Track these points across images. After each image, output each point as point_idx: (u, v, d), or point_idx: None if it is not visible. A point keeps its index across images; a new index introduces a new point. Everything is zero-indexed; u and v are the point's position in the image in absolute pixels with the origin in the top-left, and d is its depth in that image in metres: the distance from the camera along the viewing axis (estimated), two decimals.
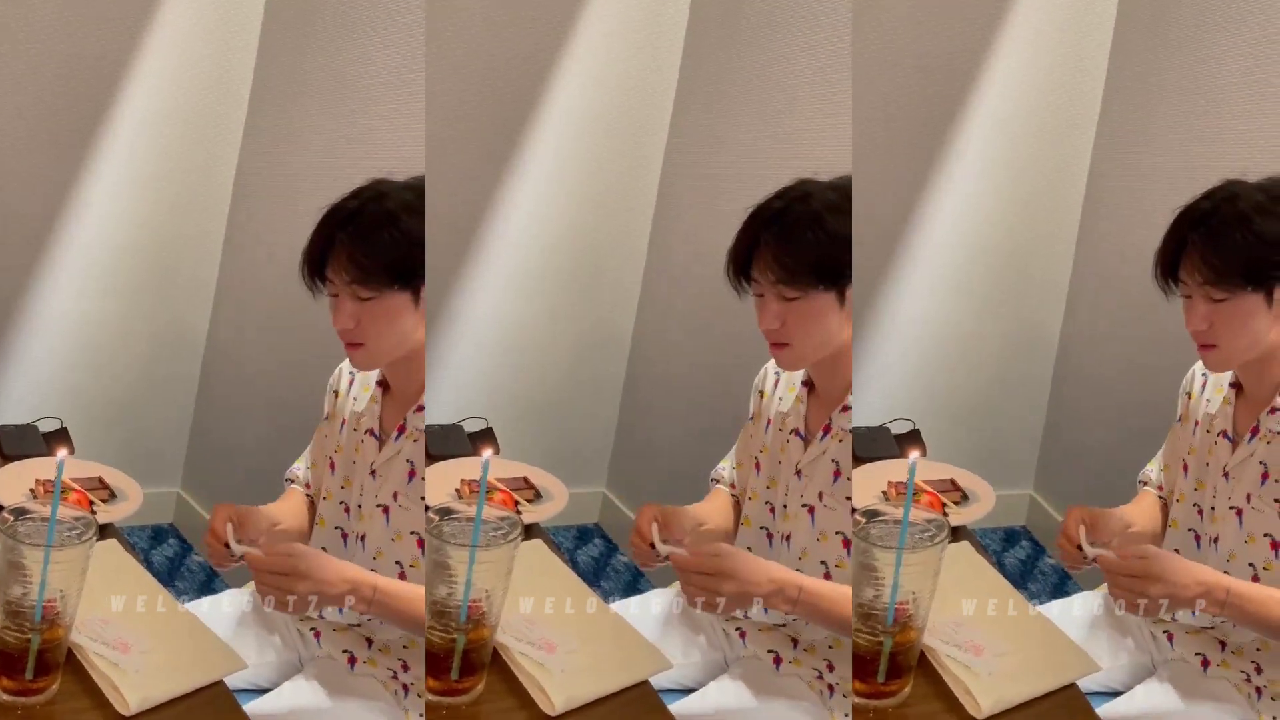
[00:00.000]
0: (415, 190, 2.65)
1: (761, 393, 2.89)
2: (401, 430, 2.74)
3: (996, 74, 3.63)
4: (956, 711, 2.71)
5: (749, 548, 2.84)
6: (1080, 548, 2.69)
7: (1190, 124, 3.49)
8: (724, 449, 3.02)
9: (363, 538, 2.78)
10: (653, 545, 2.70)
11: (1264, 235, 2.55)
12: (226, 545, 2.69)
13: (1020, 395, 3.74)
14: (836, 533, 2.75)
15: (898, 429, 3.22)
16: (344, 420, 2.83)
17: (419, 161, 3.35)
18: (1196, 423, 2.81)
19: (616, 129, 3.73)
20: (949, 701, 2.72)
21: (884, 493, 2.92)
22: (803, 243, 2.59)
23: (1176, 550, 2.78)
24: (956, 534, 3.03)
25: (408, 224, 2.59)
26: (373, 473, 2.77)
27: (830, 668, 2.78)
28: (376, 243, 2.58)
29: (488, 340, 3.73)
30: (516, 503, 3.10)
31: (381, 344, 2.65)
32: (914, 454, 2.72)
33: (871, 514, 2.75)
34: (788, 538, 2.79)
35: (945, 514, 3.01)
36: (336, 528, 2.82)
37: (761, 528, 2.84)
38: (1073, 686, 2.78)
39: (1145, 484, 2.96)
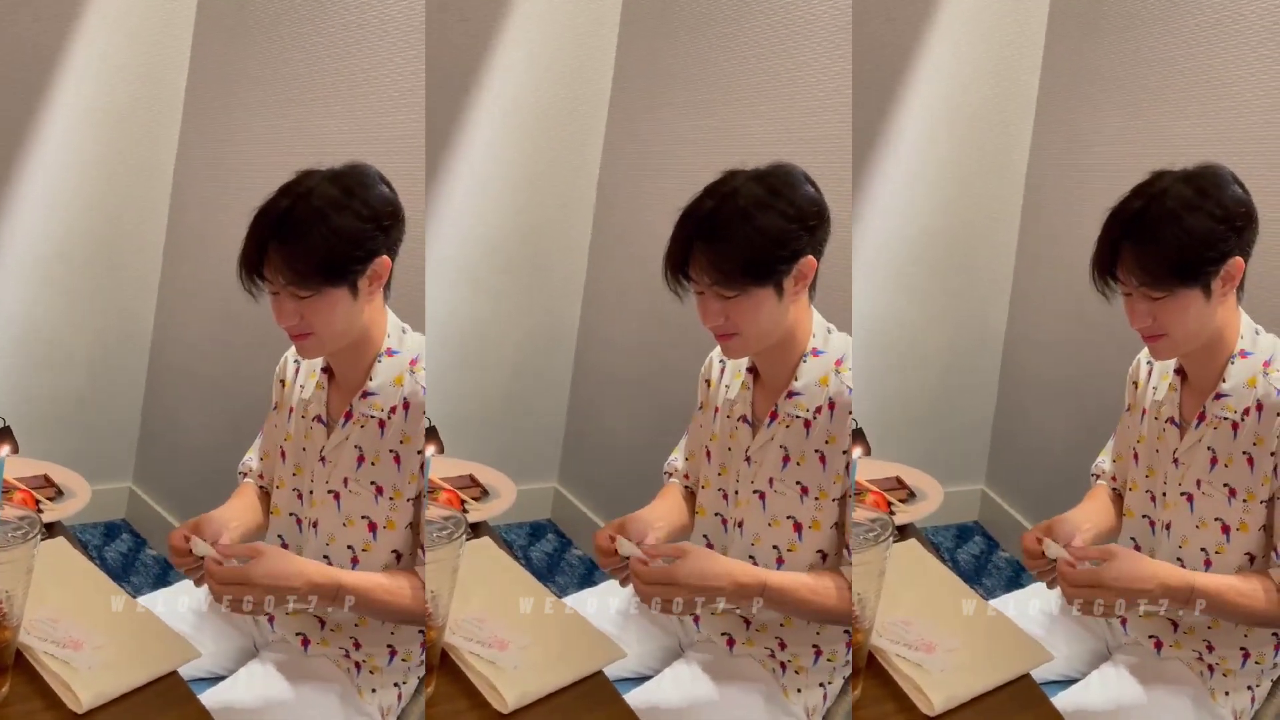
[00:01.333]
0: (340, 182, 2.68)
1: (708, 382, 2.91)
2: (349, 416, 2.76)
3: (930, 68, 3.63)
4: (909, 711, 2.73)
5: (705, 536, 2.87)
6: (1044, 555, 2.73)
7: (1128, 116, 3.50)
8: (675, 440, 3.02)
9: (315, 524, 2.79)
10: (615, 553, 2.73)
11: (1193, 232, 2.59)
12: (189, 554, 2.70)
13: (968, 390, 3.75)
14: (788, 517, 2.76)
15: None
16: (292, 408, 2.85)
17: (356, 153, 3.34)
18: (1144, 410, 2.84)
19: (553, 120, 3.72)
20: (901, 702, 2.74)
21: None
22: (733, 243, 2.62)
23: (1133, 539, 2.84)
24: (904, 531, 3.04)
25: (336, 220, 2.63)
26: (322, 459, 2.78)
27: (782, 645, 2.80)
28: (307, 244, 2.62)
29: (430, 337, 3.72)
30: (463, 502, 3.09)
31: (328, 332, 2.68)
32: (856, 452, 2.73)
33: None
34: (740, 524, 2.81)
35: (891, 513, 3.01)
36: (291, 514, 2.83)
37: (716, 514, 2.86)
38: (1026, 677, 2.81)
39: (1098, 476, 2.99)
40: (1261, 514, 2.70)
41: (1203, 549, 2.74)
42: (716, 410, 2.86)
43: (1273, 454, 2.67)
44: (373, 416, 2.73)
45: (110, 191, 3.66)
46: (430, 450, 2.74)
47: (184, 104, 3.63)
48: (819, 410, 2.73)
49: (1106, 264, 2.64)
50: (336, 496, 2.76)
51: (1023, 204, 3.69)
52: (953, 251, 3.70)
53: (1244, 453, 2.69)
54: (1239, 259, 2.62)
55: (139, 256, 3.69)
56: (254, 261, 2.64)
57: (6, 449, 2.68)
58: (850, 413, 2.73)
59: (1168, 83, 3.43)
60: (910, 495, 3.12)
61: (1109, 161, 3.50)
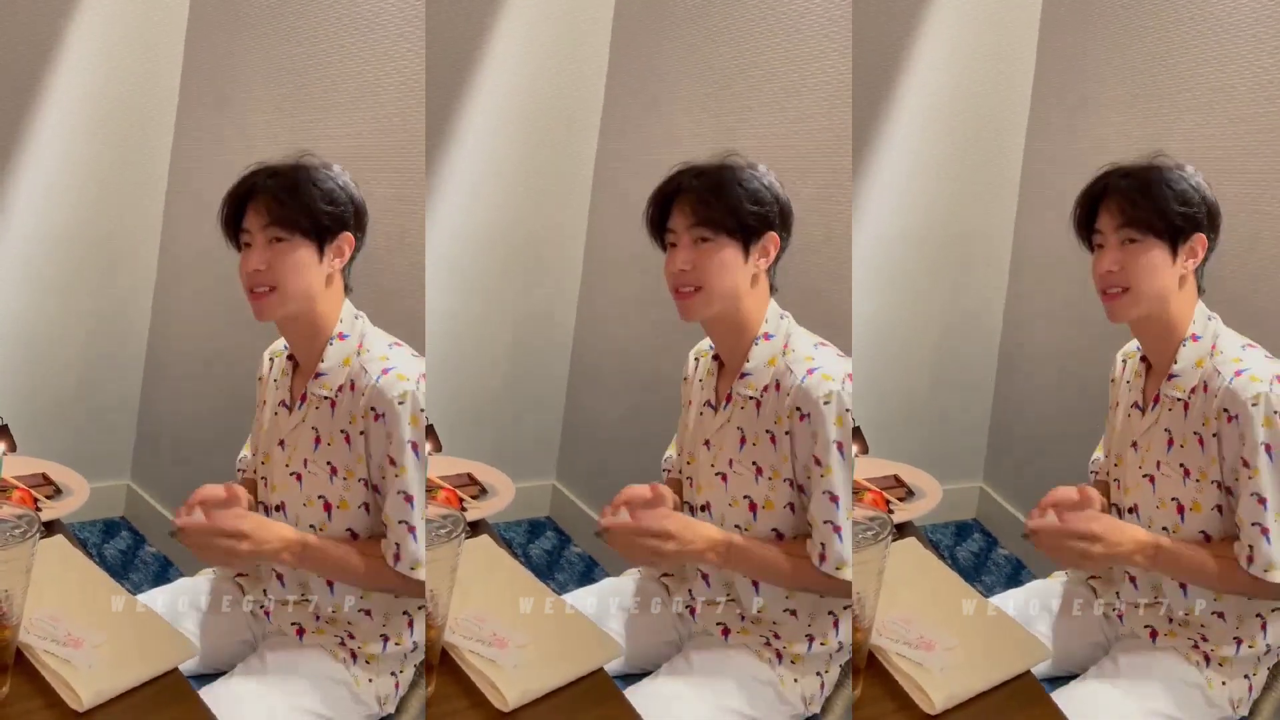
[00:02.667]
0: (323, 167, 2.82)
1: (686, 379, 2.99)
2: (304, 399, 2.83)
3: (924, 67, 3.63)
4: (909, 710, 2.73)
5: None
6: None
7: (1121, 112, 3.51)
8: (671, 435, 3.03)
9: (281, 506, 2.85)
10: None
11: (1181, 196, 2.77)
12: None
13: (965, 388, 3.75)
14: (744, 497, 2.83)
15: None
16: (265, 401, 2.92)
17: (353, 148, 3.35)
18: (1117, 403, 2.94)
19: (547, 118, 3.72)
20: (901, 700, 2.74)
21: None
22: (718, 189, 2.79)
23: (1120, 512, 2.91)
24: (903, 530, 3.04)
25: (318, 180, 2.79)
26: (281, 443, 2.86)
27: (776, 635, 2.85)
28: (292, 190, 2.77)
29: (427, 336, 3.72)
30: (461, 500, 3.10)
31: (289, 288, 2.76)
32: (854, 451, 2.76)
33: None
34: (706, 507, 2.88)
35: (890, 511, 3.02)
36: (260, 503, 2.89)
37: (686, 502, 2.93)
38: (1027, 675, 2.82)
39: (1095, 472, 3.05)
40: (1214, 494, 2.78)
41: (1164, 528, 2.82)
42: (690, 404, 2.95)
43: (1214, 435, 2.75)
44: (325, 397, 2.79)
45: (106, 190, 3.66)
46: (428, 449, 2.75)
47: (178, 102, 3.64)
48: (765, 389, 2.80)
49: (1090, 208, 2.80)
50: (299, 478, 2.82)
51: (1018, 202, 3.70)
52: (949, 249, 3.71)
53: (1194, 433, 2.78)
54: (1203, 236, 2.77)
55: (135, 255, 3.69)
56: (239, 208, 2.78)
57: (4, 447, 2.68)
58: (796, 396, 2.77)
59: (1161, 79, 3.44)
60: (909, 493, 3.13)
61: (1103, 158, 3.50)
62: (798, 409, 2.76)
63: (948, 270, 3.71)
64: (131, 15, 3.61)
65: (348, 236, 2.78)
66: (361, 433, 2.76)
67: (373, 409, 2.74)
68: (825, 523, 2.74)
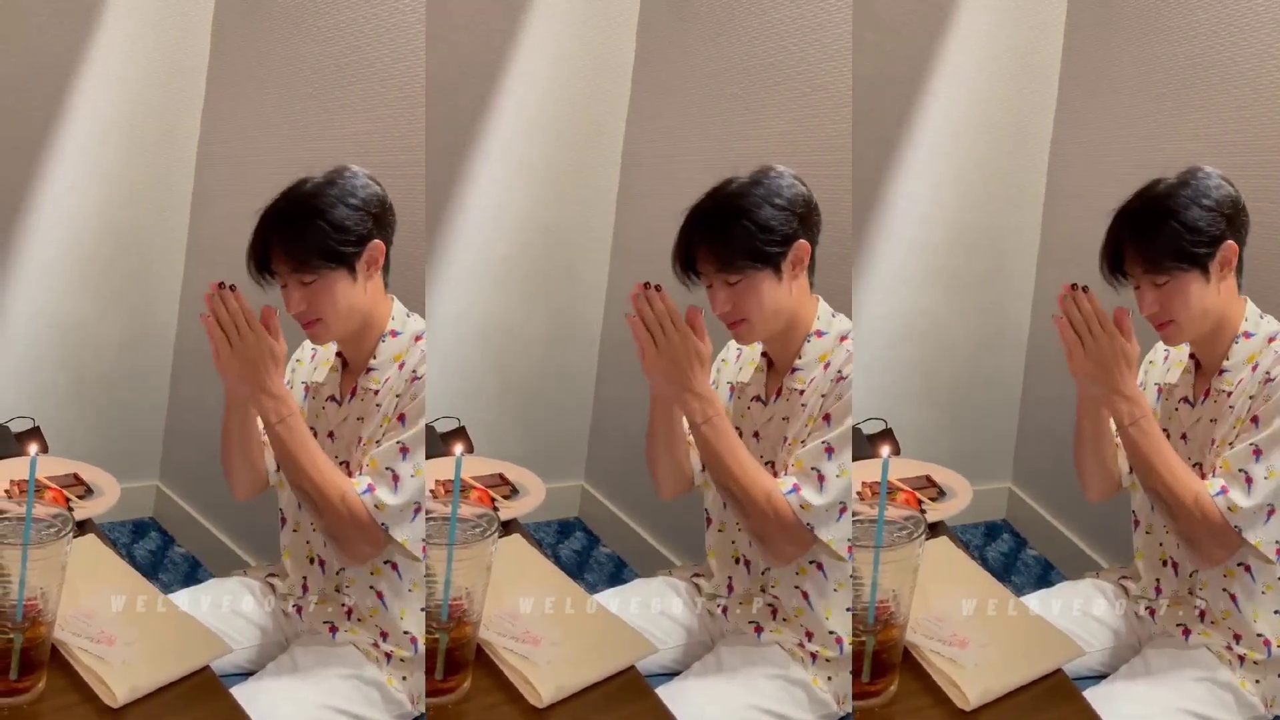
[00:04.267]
0: (331, 182, 2.85)
1: (724, 360, 3.03)
2: (354, 393, 2.89)
3: (952, 70, 3.64)
4: (945, 705, 2.75)
5: (717, 509, 2.97)
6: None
7: (1145, 114, 3.51)
8: None
9: None
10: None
11: (1186, 222, 2.78)
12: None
13: (994, 388, 3.75)
14: (768, 463, 2.89)
15: (869, 428, 3.24)
16: (306, 386, 2.97)
17: (372, 150, 3.36)
18: (1157, 388, 2.96)
19: (575, 122, 3.72)
20: (936, 696, 2.75)
21: (859, 493, 2.95)
22: (731, 234, 2.82)
23: (1153, 509, 2.92)
24: (935, 529, 3.05)
25: (329, 213, 2.82)
26: (331, 435, 2.90)
27: (810, 636, 2.87)
28: (305, 235, 2.81)
29: (456, 337, 3.72)
30: (493, 500, 3.10)
31: (335, 315, 2.84)
32: (885, 452, 2.78)
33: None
34: None
35: (922, 510, 3.03)
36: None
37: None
38: (1059, 672, 2.83)
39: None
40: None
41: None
42: (731, 389, 2.99)
43: (1250, 410, 2.80)
44: (371, 389, 2.86)
45: (133, 193, 3.67)
46: (459, 449, 2.78)
47: (204, 106, 3.64)
48: (813, 380, 2.86)
49: (1114, 259, 2.84)
50: (346, 465, 2.87)
51: (1044, 203, 3.70)
52: (977, 251, 3.71)
53: (1231, 407, 2.83)
54: (1232, 243, 2.81)
55: (163, 257, 3.69)
56: (262, 258, 2.84)
57: (36, 448, 2.68)
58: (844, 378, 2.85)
59: (1183, 81, 3.44)
60: (940, 493, 3.14)
61: (1128, 159, 3.51)
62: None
63: (976, 272, 3.72)
64: (157, 24, 3.62)
65: (376, 245, 2.83)
66: (397, 395, 2.83)
67: (414, 373, 2.83)
68: (812, 469, 2.79)
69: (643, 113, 3.68)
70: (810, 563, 2.85)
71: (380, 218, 2.84)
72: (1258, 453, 2.76)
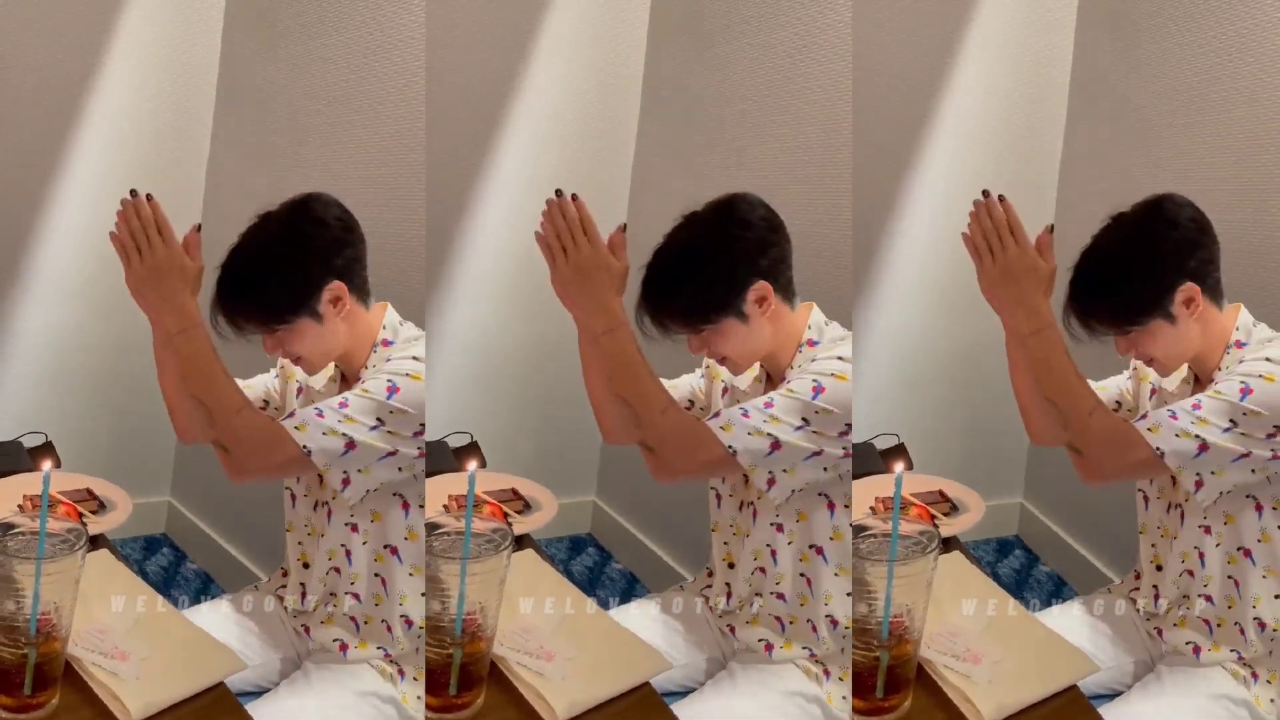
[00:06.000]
0: (281, 225, 2.84)
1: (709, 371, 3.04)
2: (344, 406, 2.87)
3: (962, 89, 3.64)
4: None
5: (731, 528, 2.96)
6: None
7: (1155, 133, 3.52)
8: None
9: (327, 505, 2.87)
10: None
11: (1131, 278, 2.79)
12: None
13: (1005, 403, 3.75)
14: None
15: (882, 444, 3.24)
16: (299, 385, 2.97)
17: (383, 171, 3.36)
18: (1154, 389, 2.96)
19: (585, 138, 3.73)
20: (950, 712, 2.75)
21: (872, 508, 2.95)
22: (678, 299, 2.84)
23: (1147, 499, 2.95)
24: (947, 544, 3.05)
25: (274, 271, 2.82)
26: None
27: (814, 656, 2.88)
28: (253, 299, 2.81)
29: (467, 352, 3.73)
30: (506, 514, 3.11)
31: (313, 354, 2.85)
32: (899, 467, 2.77)
33: (860, 529, 2.78)
34: (753, 505, 2.91)
35: (935, 525, 3.03)
36: (306, 495, 2.92)
37: (730, 495, 2.96)
38: (1074, 688, 2.83)
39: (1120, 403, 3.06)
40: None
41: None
42: (725, 391, 2.98)
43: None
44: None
45: None
46: (473, 465, 2.78)
47: (212, 127, 3.65)
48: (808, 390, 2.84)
49: (1080, 317, 2.83)
50: (346, 481, 2.84)
51: (1054, 219, 3.70)
52: None
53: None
54: (1190, 284, 2.77)
55: None
56: (228, 317, 2.82)
57: (49, 464, 2.69)
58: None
59: (1191, 101, 3.44)
60: (953, 508, 3.14)
61: (1137, 172, 3.51)
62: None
63: None
64: (167, 40, 3.63)
65: (335, 286, 2.81)
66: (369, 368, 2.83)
67: (388, 358, 2.83)
68: (741, 412, 2.79)
69: (651, 130, 3.68)
70: (810, 547, 2.86)
71: (338, 250, 2.83)
72: (1197, 407, 2.74)
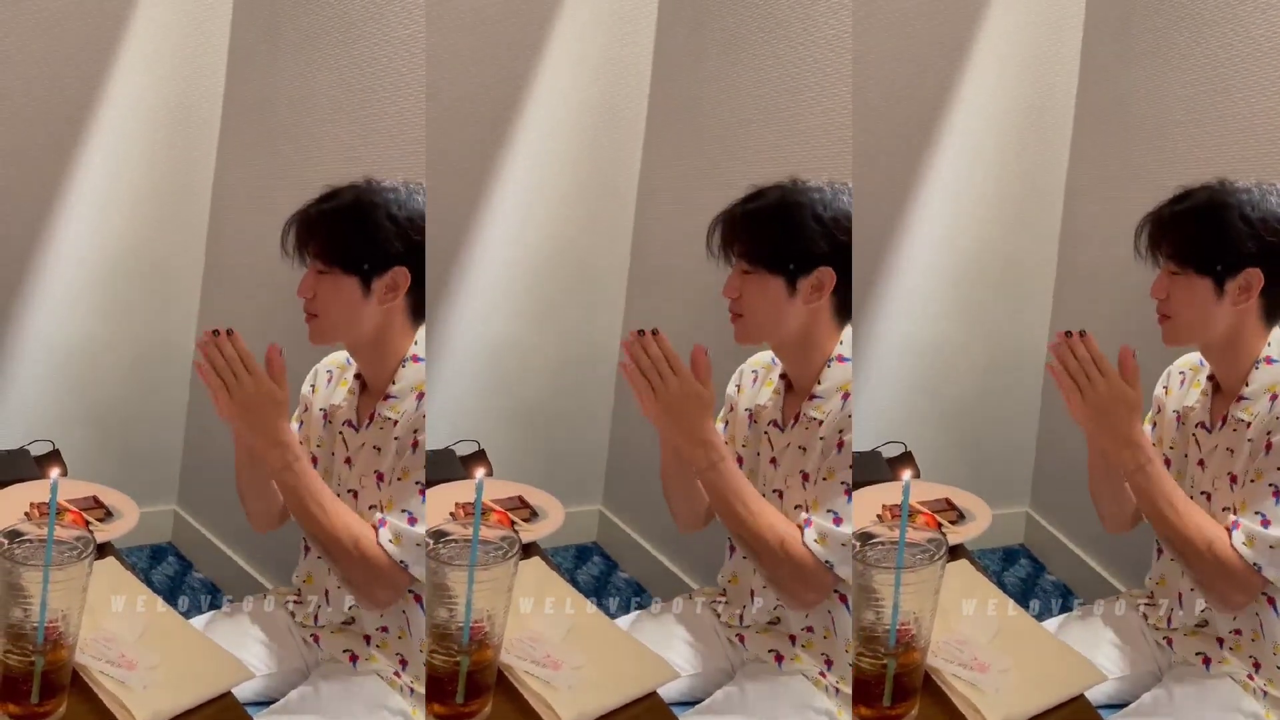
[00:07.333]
0: (382, 191, 2.88)
1: (738, 387, 3.02)
2: (372, 419, 2.87)
3: (970, 94, 3.65)
4: None
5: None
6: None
7: (1161, 137, 3.52)
8: None
9: None
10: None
11: (1218, 226, 2.77)
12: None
13: (1011, 412, 3.76)
14: (795, 507, 2.86)
15: (889, 452, 3.25)
16: (324, 410, 2.95)
17: (393, 174, 3.36)
18: (1176, 415, 2.93)
19: (592, 144, 3.73)
20: None
21: (879, 516, 2.94)
22: (768, 228, 2.83)
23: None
24: (954, 553, 3.05)
25: (365, 216, 2.83)
26: (348, 461, 2.90)
27: (830, 663, 2.88)
28: (334, 225, 2.83)
29: (474, 362, 3.73)
30: (513, 522, 3.10)
31: (331, 318, 2.83)
32: (906, 475, 2.77)
33: (867, 537, 2.78)
34: None
35: (942, 533, 3.03)
36: None
37: None
38: (1081, 698, 2.83)
39: None
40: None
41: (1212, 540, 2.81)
42: (750, 416, 2.96)
43: (1267, 441, 2.77)
44: (390, 419, 2.84)
45: (150, 217, 3.68)
46: (480, 473, 2.78)
47: (220, 130, 3.65)
48: (831, 413, 2.84)
49: (1154, 233, 2.82)
50: (355, 495, 2.86)
51: (1061, 226, 3.71)
52: (994, 275, 3.72)
53: (1249, 440, 2.79)
54: (1256, 270, 2.76)
55: (179, 281, 3.70)
56: (300, 233, 2.85)
57: (57, 471, 2.69)
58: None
59: (1199, 109, 3.45)
60: (960, 516, 3.13)
61: (1145, 181, 3.51)
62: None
63: (994, 295, 3.72)
64: (175, 47, 3.63)
65: (400, 271, 2.81)
66: (415, 430, 2.82)
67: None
68: (828, 511, 2.80)
69: (659, 136, 3.69)
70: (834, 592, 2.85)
71: (413, 248, 2.83)
72: (1277, 494, 2.74)
